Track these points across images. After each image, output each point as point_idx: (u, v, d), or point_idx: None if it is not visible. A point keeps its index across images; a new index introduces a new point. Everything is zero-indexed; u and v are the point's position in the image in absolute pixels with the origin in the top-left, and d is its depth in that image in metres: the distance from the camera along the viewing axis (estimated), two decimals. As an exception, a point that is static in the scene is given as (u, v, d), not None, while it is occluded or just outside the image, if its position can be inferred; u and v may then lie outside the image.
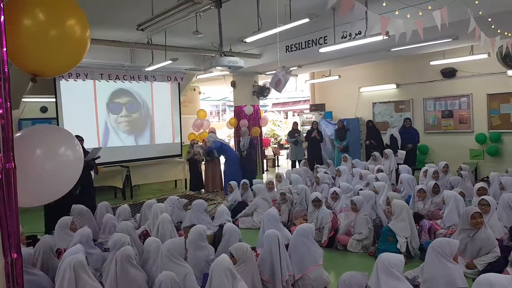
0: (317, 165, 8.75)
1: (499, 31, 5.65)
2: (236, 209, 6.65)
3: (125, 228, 4.33)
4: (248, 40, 6.82)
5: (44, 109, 10.46)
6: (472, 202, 4.76)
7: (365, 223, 4.90)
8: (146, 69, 8.87)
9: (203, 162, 9.84)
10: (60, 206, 3.30)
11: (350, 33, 7.23)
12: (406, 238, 4.42)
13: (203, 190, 9.68)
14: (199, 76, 11.17)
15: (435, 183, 5.80)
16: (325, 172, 7.61)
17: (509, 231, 4.37)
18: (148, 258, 3.70)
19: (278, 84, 5.94)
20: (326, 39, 7.81)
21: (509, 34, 5.87)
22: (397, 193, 5.97)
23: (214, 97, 21.86)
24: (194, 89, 13.71)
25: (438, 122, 10.31)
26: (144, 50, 8.47)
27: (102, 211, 5.62)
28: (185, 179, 10.23)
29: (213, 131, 10.55)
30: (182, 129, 10.82)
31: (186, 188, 10.11)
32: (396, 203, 4.65)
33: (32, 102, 9.85)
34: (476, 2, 4.71)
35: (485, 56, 8.56)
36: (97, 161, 6.82)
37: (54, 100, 8.82)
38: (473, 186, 5.62)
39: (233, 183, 7.21)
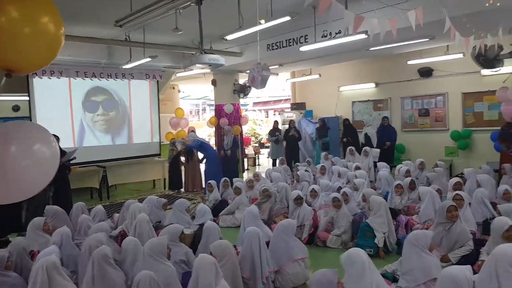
0: (297, 164, 8.85)
1: (473, 30, 5.84)
2: (218, 208, 6.66)
3: (99, 229, 4.32)
4: (229, 37, 6.83)
5: (16, 108, 10.16)
6: (447, 197, 4.94)
7: (346, 218, 5.04)
8: (123, 67, 8.76)
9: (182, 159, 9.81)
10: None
11: (330, 32, 7.34)
12: (384, 233, 4.56)
13: (182, 189, 9.64)
14: (178, 74, 11.11)
15: (412, 179, 6.00)
16: (305, 170, 7.70)
17: (483, 225, 4.55)
18: (125, 258, 3.68)
19: (254, 81, 5.98)
20: (307, 38, 7.90)
21: (481, 33, 6.06)
22: (373, 189, 6.12)
23: (194, 96, 21.76)
24: (173, 88, 13.61)
25: (415, 120, 10.61)
26: (122, 47, 8.36)
27: (78, 211, 5.53)
28: (164, 179, 10.17)
29: (193, 130, 10.50)
30: (161, 128, 10.74)
31: (165, 188, 10.05)
32: (375, 200, 4.78)
33: (3, 100, 9.58)
34: (451, 2, 4.86)
35: (461, 55, 8.83)
36: (72, 161, 6.71)
37: (27, 98, 8.62)
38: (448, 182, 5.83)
39: (212, 182, 7.21)
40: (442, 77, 9.98)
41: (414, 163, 7.39)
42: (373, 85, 11.49)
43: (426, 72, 10.20)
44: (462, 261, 3.84)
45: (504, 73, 8.02)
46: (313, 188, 6.15)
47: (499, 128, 7.87)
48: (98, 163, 9.35)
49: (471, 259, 3.83)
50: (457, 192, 4.77)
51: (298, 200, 5.38)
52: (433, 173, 6.64)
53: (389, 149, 9.50)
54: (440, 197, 5.18)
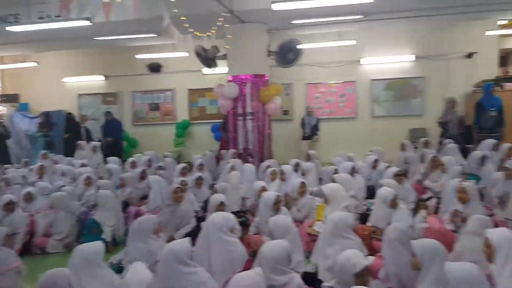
0: (6, 166, 8.06)
1: (190, 30, 6.60)
2: None
3: None
4: None
5: None
6: (175, 181, 5.46)
7: (65, 220, 4.91)
8: None
9: None
10: None
11: (48, 14, 6.84)
12: (111, 226, 4.71)
13: None
14: None
15: (143, 169, 6.51)
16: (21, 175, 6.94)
17: (203, 205, 5.33)
18: None
19: None
20: (18, 17, 7.20)
21: (199, 34, 6.96)
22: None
23: None
24: None
25: (146, 114, 11.42)
26: None
27: None
28: None
29: None
30: None
31: None
32: (101, 194, 4.89)
33: None
34: (172, 0, 5.32)
35: (186, 54, 9.86)
36: None
37: None
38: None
39: None
40: (170, 73, 10.91)
41: (144, 155, 7.90)
42: (102, 77, 11.50)
43: (155, 68, 10.91)
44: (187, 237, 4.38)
45: (220, 73, 9.52)
46: (28, 192, 5.59)
47: (218, 120, 9.47)
48: None
49: (194, 234, 4.40)
50: (182, 178, 5.51)
51: (9, 206, 4.89)
52: (166, 163, 7.35)
53: (112, 144, 9.87)
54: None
